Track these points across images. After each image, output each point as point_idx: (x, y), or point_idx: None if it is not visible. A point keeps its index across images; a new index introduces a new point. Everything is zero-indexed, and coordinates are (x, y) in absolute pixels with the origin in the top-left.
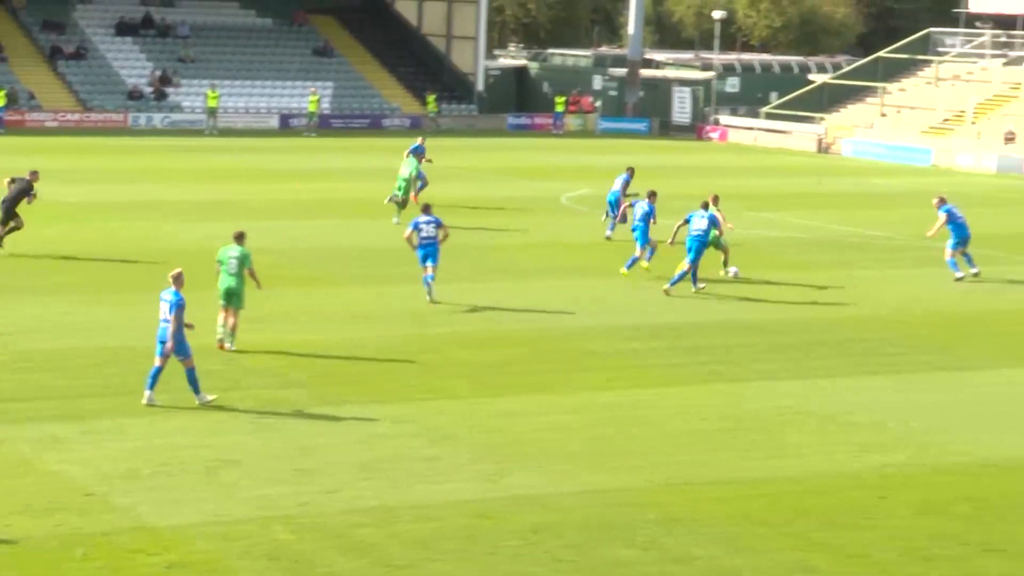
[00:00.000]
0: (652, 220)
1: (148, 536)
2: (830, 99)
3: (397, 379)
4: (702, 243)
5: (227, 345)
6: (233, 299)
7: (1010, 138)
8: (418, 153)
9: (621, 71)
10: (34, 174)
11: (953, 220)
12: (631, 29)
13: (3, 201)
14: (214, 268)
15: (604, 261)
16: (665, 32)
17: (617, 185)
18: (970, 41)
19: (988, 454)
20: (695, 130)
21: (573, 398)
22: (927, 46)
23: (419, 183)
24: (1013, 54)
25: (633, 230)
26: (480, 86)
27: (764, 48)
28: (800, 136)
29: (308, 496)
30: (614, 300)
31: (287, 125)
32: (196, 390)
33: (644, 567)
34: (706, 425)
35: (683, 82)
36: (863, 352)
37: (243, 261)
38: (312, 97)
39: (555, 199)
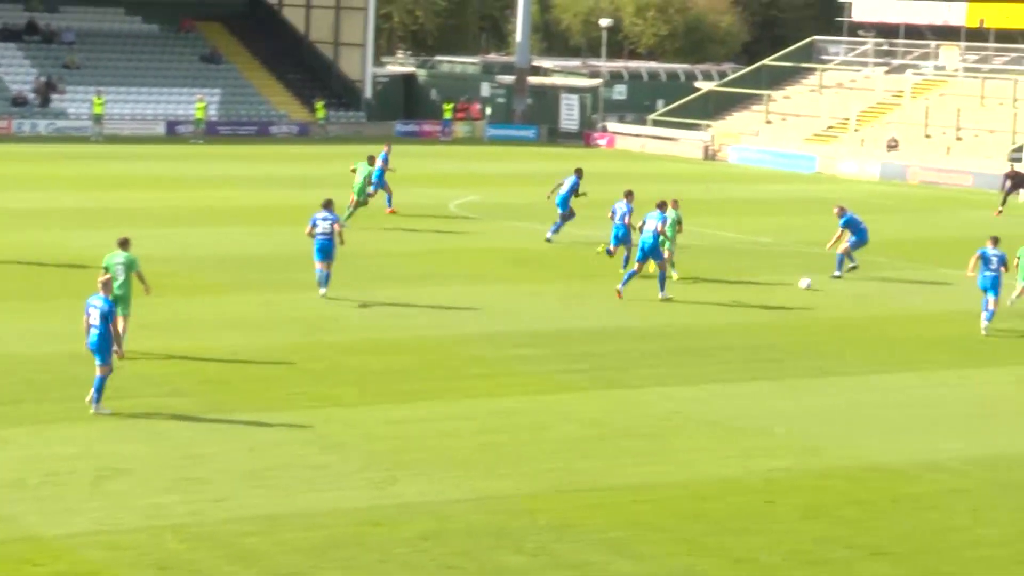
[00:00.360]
0: (627, 219)
1: (35, 546)
2: (716, 106)
3: (286, 387)
4: (653, 244)
5: (115, 352)
6: (120, 305)
7: (892, 145)
8: (383, 160)
9: (509, 78)
10: None
11: (855, 229)
12: (519, 36)
13: None
14: (100, 275)
15: (494, 268)
16: (553, 39)
17: (565, 187)
18: (853, 49)
19: (873, 458)
20: (583, 137)
21: (462, 405)
22: (811, 54)
23: (374, 186)
24: (895, 62)
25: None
26: (368, 93)
27: (651, 56)
28: (687, 143)
29: (197, 505)
30: (504, 307)
31: (174, 132)
32: (98, 399)
33: (534, 573)
34: (596, 431)
35: (571, 89)
36: (750, 358)
37: (130, 266)
38: (199, 104)
39: (444, 206)
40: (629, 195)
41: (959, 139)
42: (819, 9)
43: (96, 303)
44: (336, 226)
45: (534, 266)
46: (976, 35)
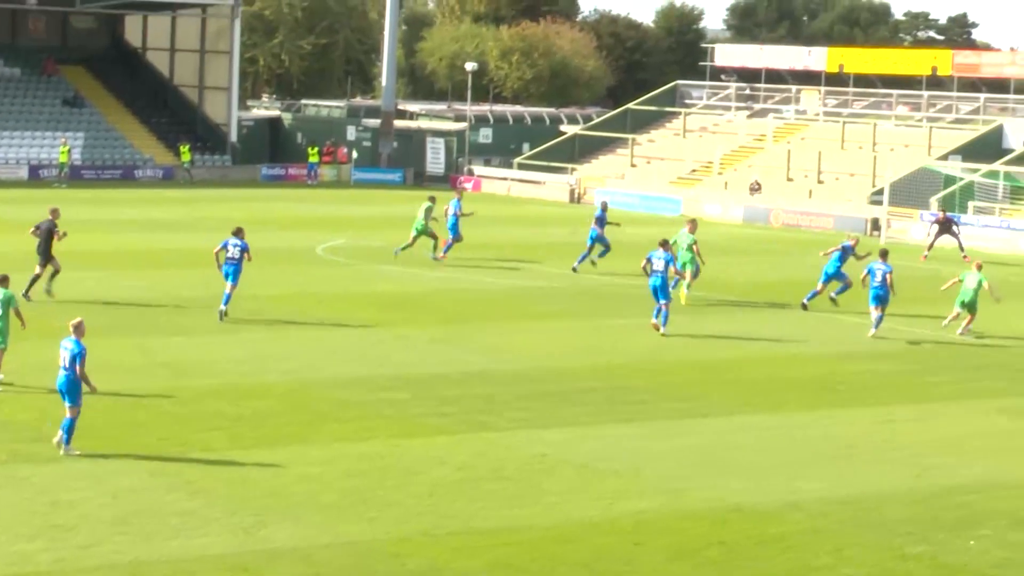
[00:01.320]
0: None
1: None
2: (581, 150)
3: (152, 431)
4: (662, 283)
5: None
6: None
7: (755, 188)
8: (457, 208)
9: (375, 122)
10: (54, 211)
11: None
12: (384, 80)
13: (37, 249)
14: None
15: (361, 311)
16: (418, 83)
17: (451, 209)
18: (716, 94)
19: (737, 499)
20: (449, 180)
21: (329, 449)
22: (675, 98)
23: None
24: (757, 106)
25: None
26: (233, 137)
27: (516, 99)
28: (553, 186)
29: (62, 552)
30: (371, 350)
31: (37, 176)
32: (67, 440)
33: None
34: (464, 474)
35: (436, 133)
36: (616, 399)
37: (7, 303)
38: (63, 147)
39: (310, 250)
40: (604, 205)
41: (820, 182)
42: (682, 54)
43: (67, 345)
44: (245, 254)
45: (402, 309)
46: (836, 80)
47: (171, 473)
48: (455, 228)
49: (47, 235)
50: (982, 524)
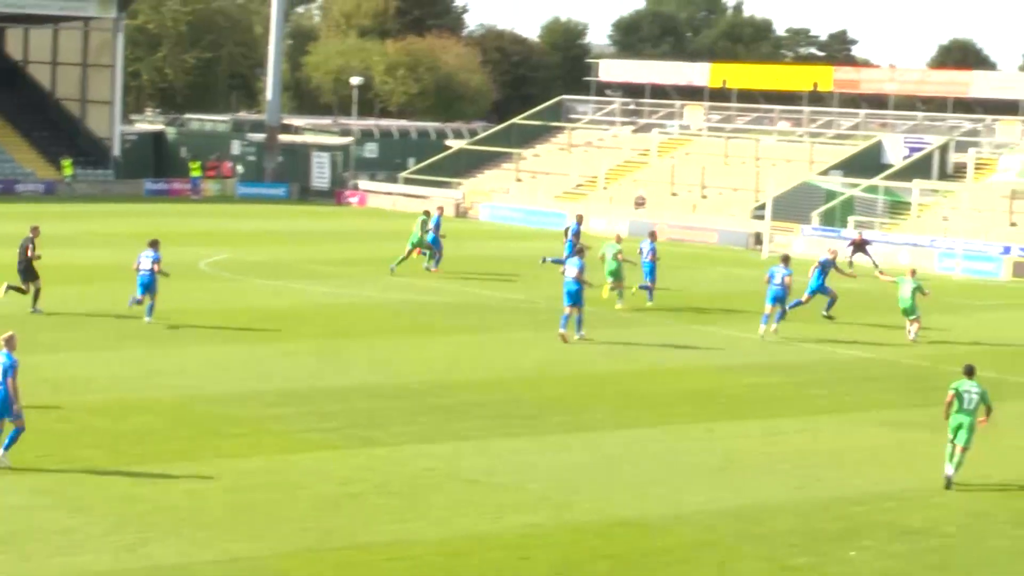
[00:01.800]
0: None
1: None
2: (467, 164)
3: (33, 449)
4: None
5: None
6: None
7: (640, 203)
8: (435, 225)
9: (260, 136)
10: (34, 230)
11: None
12: (269, 94)
13: (17, 267)
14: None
15: (245, 326)
16: (303, 98)
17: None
18: (601, 109)
19: (624, 512)
20: (334, 195)
21: (213, 465)
22: (560, 113)
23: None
24: (642, 121)
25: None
26: (117, 151)
27: (402, 114)
28: (439, 201)
29: None
30: (255, 365)
31: None
32: (8, 444)
33: None
34: (350, 489)
35: (322, 147)
36: (504, 413)
37: None
38: None
39: (194, 264)
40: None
41: (704, 197)
42: (567, 69)
43: None
44: (156, 265)
45: (287, 324)
46: (719, 95)
47: (53, 491)
48: (436, 242)
49: (23, 252)
50: (864, 535)
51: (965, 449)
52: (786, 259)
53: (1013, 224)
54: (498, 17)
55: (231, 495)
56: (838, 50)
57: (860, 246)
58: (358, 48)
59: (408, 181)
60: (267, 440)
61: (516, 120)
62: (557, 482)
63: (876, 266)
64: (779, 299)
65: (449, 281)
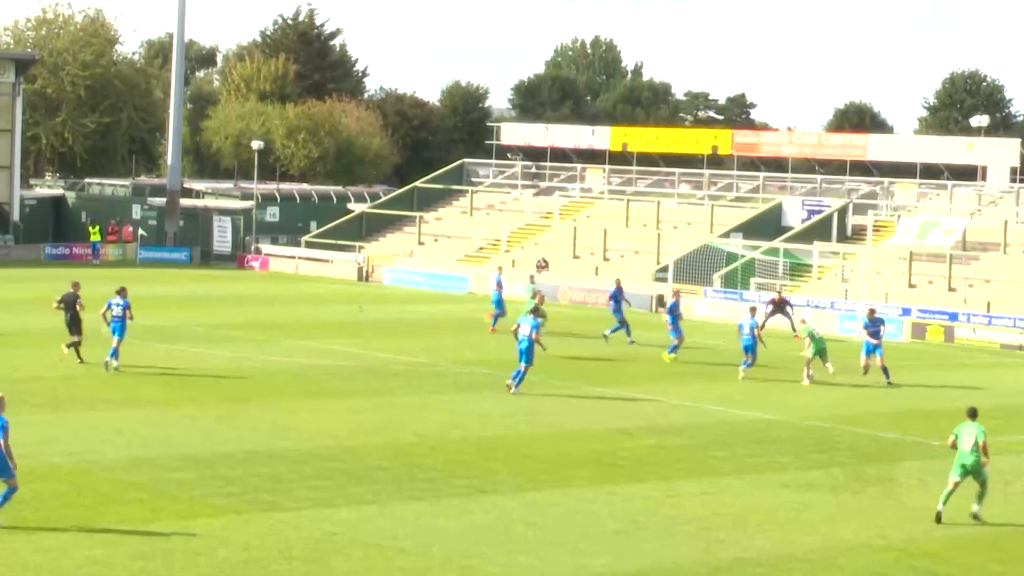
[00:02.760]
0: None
1: None
2: (369, 228)
3: None
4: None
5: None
6: None
7: (542, 266)
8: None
9: (160, 200)
10: (76, 285)
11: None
12: (169, 159)
13: (65, 320)
14: None
15: (146, 391)
16: (204, 162)
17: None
18: (502, 172)
19: (524, 574)
20: (236, 259)
21: (113, 532)
22: (461, 176)
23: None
24: (543, 184)
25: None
26: (16, 216)
27: (303, 178)
28: (341, 264)
29: None
30: (156, 430)
31: None
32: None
33: None
34: (252, 554)
35: (223, 211)
36: (408, 478)
37: None
38: None
39: (95, 329)
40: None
41: (606, 259)
42: (468, 132)
43: None
44: (128, 312)
45: (187, 389)
46: (619, 159)
47: None
48: (499, 302)
49: (71, 307)
50: None
51: (983, 483)
52: (753, 311)
53: (912, 286)
54: (398, 81)
55: (132, 562)
56: (737, 113)
57: (780, 306)
58: (258, 112)
59: (310, 245)
60: (167, 505)
61: (418, 183)
62: (460, 546)
63: (794, 329)
64: (748, 348)
65: (352, 345)
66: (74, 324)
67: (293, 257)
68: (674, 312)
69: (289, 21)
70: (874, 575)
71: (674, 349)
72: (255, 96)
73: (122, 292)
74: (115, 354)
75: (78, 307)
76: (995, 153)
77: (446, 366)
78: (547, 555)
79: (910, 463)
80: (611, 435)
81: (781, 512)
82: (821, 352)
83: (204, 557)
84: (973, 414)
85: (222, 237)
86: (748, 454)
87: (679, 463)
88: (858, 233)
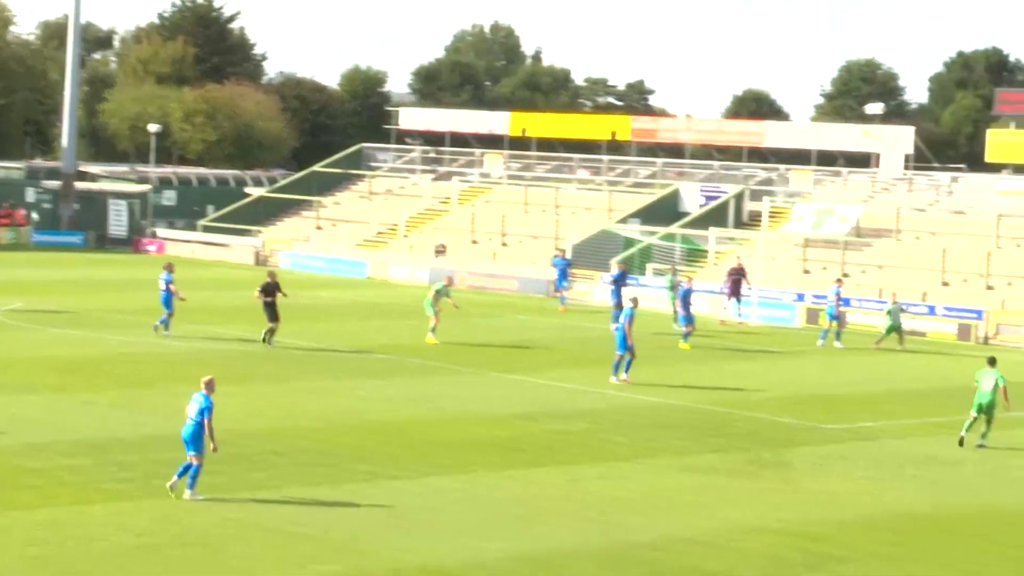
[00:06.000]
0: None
1: None
2: (267, 212)
3: None
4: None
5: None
6: None
7: (440, 251)
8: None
9: (55, 184)
10: (272, 274)
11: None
12: (64, 141)
13: (264, 308)
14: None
15: (41, 376)
16: (100, 145)
17: (162, 284)
18: (401, 157)
19: (423, 560)
20: (132, 243)
21: (7, 517)
22: (360, 161)
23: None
24: (442, 169)
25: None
26: None
27: (200, 161)
28: (238, 249)
29: None
30: (52, 416)
31: None
32: (192, 485)
33: None
34: (148, 540)
35: (119, 195)
36: (307, 463)
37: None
38: None
39: None
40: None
41: (505, 245)
42: (367, 117)
43: (197, 399)
44: (171, 285)
45: (83, 374)
46: (519, 144)
47: None
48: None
49: (271, 294)
50: None
51: (990, 421)
52: (635, 301)
53: (807, 272)
54: (297, 65)
55: (25, 547)
56: (636, 100)
57: (739, 276)
58: (155, 95)
59: (207, 229)
60: (62, 491)
61: (316, 168)
62: (359, 530)
63: (740, 312)
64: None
65: (250, 330)
66: (271, 310)
67: (190, 241)
68: (686, 299)
69: (187, 4)
70: (770, 558)
71: (687, 336)
72: (153, 79)
73: (169, 267)
74: (164, 321)
75: (280, 294)
76: (889, 140)
77: (345, 351)
78: (446, 539)
79: (805, 448)
80: (514, 420)
81: (679, 496)
82: (895, 329)
83: (99, 543)
84: (992, 362)
85: (118, 221)
86: (648, 439)
87: (580, 448)
88: (754, 219)
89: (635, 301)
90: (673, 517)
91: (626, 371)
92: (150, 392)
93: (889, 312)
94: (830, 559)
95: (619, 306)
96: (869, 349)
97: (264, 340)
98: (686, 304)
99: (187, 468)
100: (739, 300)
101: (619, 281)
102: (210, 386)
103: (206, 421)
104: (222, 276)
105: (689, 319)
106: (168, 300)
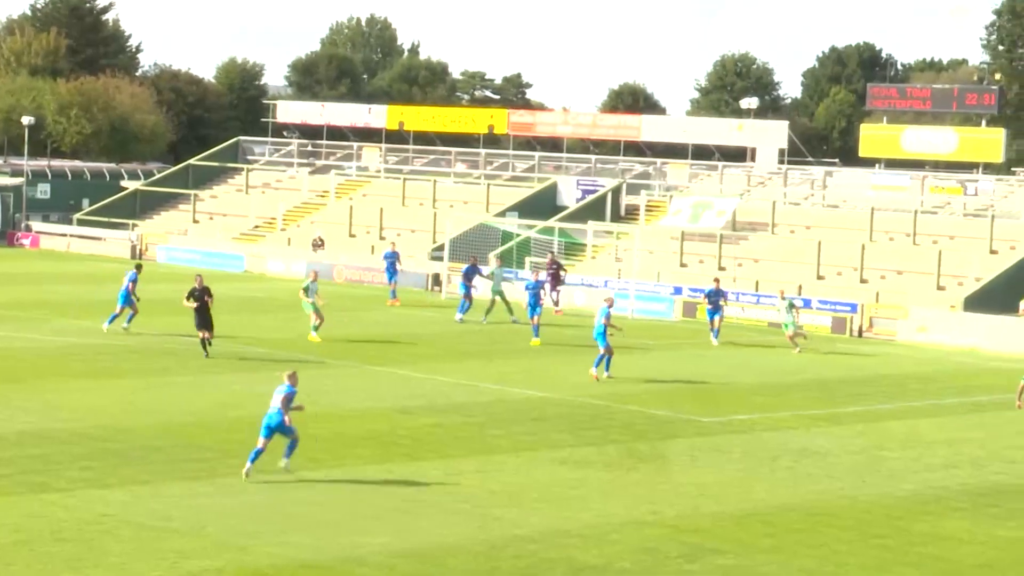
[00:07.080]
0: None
1: None
2: (143, 206)
3: None
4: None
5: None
6: None
7: (318, 244)
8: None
9: None
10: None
11: None
12: None
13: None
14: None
15: None
16: None
17: (126, 281)
18: (278, 150)
19: (302, 555)
20: (6, 236)
21: None
22: (237, 154)
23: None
24: (319, 163)
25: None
26: None
27: (75, 154)
28: (114, 242)
29: None
30: None
31: None
32: (288, 454)
33: None
34: (21, 536)
35: None
36: (182, 458)
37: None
38: None
39: None
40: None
41: (382, 238)
42: (244, 110)
43: (281, 389)
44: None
45: None
46: (396, 137)
47: None
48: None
49: (200, 299)
50: (543, 572)
51: None
52: (611, 302)
53: (683, 265)
54: (173, 57)
55: None
56: (513, 93)
57: (557, 268)
58: (29, 87)
59: (82, 222)
60: None
61: (193, 161)
62: (235, 525)
63: (556, 302)
64: (602, 336)
65: (119, 324)
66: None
67: (65, 235)
68: (536, 291)
69: None
70: (645, 550)
71: (537, 331)
72: (26, 71)
73: (138, 268)
74: (112, 319)
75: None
76: (764, 135)
77: (221, 345)
78: (324, 534)
79: (681, 440)
80: (390, 414)
81: (555, 489)
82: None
83: None
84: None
85: None
86: (524, 432)
87: (457, 441)
88: (631, 213)
89: (610, 301)
90: (550, 510)
91: (607, 369)
92: (23, 387)
93: (788, 308)
94: (707, 551)
95: (468, 297)
96: (744, 344)
97: (204, 348)
98: (535, 296)
99: (258, 453)
100: (557, 290)
101: (469, 275)
102: (293, 378)
103: (282, 404)
104: (97, 270)
105: (536, 311)
106: (127, 297)
